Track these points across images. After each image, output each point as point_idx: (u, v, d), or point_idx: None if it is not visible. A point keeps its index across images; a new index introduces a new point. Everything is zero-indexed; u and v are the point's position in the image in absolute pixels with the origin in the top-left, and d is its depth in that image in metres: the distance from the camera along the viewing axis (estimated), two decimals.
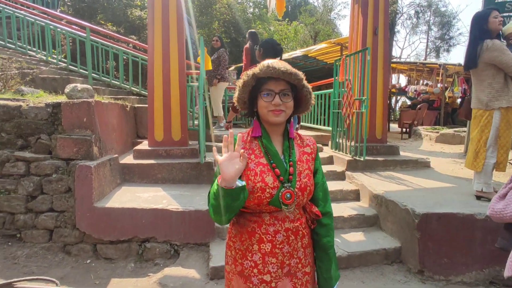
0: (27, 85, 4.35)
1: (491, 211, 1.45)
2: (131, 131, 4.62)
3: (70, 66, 5.44)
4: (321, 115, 5.97)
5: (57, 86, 4.79)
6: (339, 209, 3.28)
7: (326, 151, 4.85)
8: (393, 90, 11.27)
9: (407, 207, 2.75)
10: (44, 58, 5.48)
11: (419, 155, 5.07)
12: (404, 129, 8.84)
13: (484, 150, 2.79)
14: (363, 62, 4.08)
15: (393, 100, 19.00)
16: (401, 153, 4.79)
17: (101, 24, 8.32)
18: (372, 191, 3.33)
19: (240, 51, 11.87)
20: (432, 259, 2.61)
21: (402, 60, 21.57)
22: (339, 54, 8.07)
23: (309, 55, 9.02)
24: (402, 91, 11.48)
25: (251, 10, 15.10)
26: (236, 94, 1.20)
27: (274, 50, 2.91)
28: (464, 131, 6.10)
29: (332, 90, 4.86)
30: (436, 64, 10.22)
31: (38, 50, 5.57)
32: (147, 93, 5.29)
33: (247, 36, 5.24)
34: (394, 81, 14.15)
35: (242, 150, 1.09)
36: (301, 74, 1.14)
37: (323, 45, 8.61)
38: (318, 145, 4.96)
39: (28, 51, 5.40)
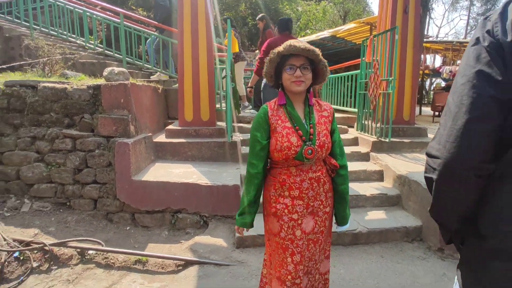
0: (69, 69, 4.71)
1: None
2: (162, 112, 4.89)
3: (106, 51, 5.76)
4: (347, 97, 5.92)
5: (95, 70, 5.12)
6: (362, 189, 3.36)
7: (352, 133, 4.86)
8: (426, 71, 10.77)
9: None
10: (83, 44, 5.84)
11: None
12: (436, 112, 8.51)
13: None
14: (392, 41, 4.00)
15: (428, 82, 18.11)
16: (430, 135, 4.70)
17: (132, 10, 8.61)
18: (396, 171, 3.36)
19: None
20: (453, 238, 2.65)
21: (439, 39, 20.32)
22: (369, 34, 7.82)
23: (337, 35, 8.80)
24: (436, 72, 10.93)
25: None
26: (264, 70, 1.49)
27: (286, 25, 3.61)
28: None
29: (359, 71, 4.81)
30: None
31: (77, 37, 5.94)
32: (176, 76, 5.53)
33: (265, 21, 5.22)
34: (429, 62, 13.45)
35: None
36: (317, 51, 1.40)
37: (352, 25, 8.36)
38: (343, 126, 4.99)
39: (69, 38, 5.77)
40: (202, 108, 4.09)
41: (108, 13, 6.27)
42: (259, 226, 1.82)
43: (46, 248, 2.63)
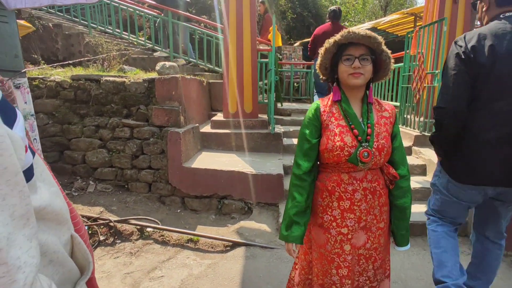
0: (123, 64, 5.11)
1: None
2: (207, 104, 5.15)
3: (154, 47, 6.14)
4: (388, 91, 5.81)
5: (145, 65, 5.50)
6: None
7: None
8: None
9: None
10: (134, 40, 6.27)
11: None
12: None
13: None
14: (439, 33, 3.89)
15: None
16: None
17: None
18: None
19: (304, 26, 11.73)
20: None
21: None
22: (413, 25, 7.54)
23: (378, 27, 8.57)
24: None
25: None
26: (318, 61, 1.33)
27: (334, 14, 4.29)
28: None
29: (401, 64, 4.72)
30: None
31: (129, 34, 6.38)
32: (220, 70, 5.76)
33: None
34: None
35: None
36: (379, 38, 1.22)
37: (394, 16, 8.10)
38: None
39: (122, 35, 6.22)
40: (245, 101, 4.28)
41: (155, 10, 6.64)
42: None
43: (111, 224, 2.97)
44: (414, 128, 4.27)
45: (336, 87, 1.33)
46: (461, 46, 1.55)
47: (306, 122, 1.34)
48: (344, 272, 1.31)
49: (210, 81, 5.50)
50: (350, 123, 1.27)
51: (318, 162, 1.38)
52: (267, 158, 3.74)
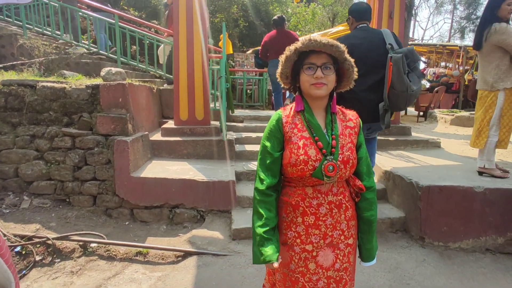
0: (64, 69, 4.77)
1: None
2: (157, 111, 5.00)
3: (100, 51, 5.82)
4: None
5: (89, 70, 5.18)
6: None
7: None
8: None
9: (411, 181, 3.00)
10: (77, 43, 5.88)
11: (431, 136, 5.22)
12: (421, 112, 8.85)
13: (487, 129, 2.97)
14: None
15: None
16: (413, 134, 4.96)
17: (124, 10, 8.64)
18: (381, 167, 3.58)
19: (257, 34, 11.98)
20: (433, 227, 2.88)
21: (425, 41, 20.89)
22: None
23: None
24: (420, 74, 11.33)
25: None
26: (279, 70, 1.24)
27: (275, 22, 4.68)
28: None
29: None
30: (457, 46, 10.02)
31: (70, 36, 5.97)
32: (171, 76, 5.64)
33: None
34: None
35: (276, 264, 1.14)
36: (342, 47, 1.15)
37: (340, 27, 8.63)
38: None
39: (62, 37, 5.80)
40: (197, 108, 4.23)
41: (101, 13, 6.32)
42: None
43: (49, 242, 2.73)
44: None
45: (299, 97, 1.25)
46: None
47: (267, 134, 1.25)
48: None
49: (161, 87, 5.36)
50: (314, 135, 1.19)
51: (282, 176, 1.29)
52: (219, 165, 3.72)
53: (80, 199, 3.35)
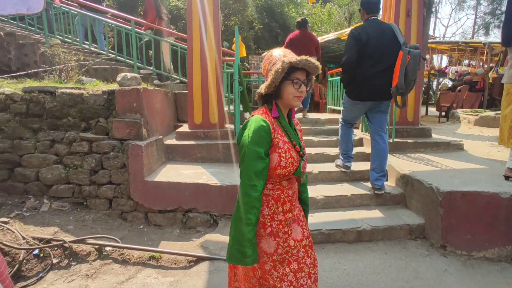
0: (83, 75, 4.91)
1: None
2: (172, 115, 5.05)
3: (117, 57, 5.96)
4: None
5: (107, 76, 5.31)
6: (366, 188, 3.45)
7: (357, 133, 4.94)
8: (432, 71, 10.78)
9: (431, 185, 2.87)
10: (96, 50, 6.05)
11: (453, 138, 5.01)
12: (442, 113, 8.54)
13: None
14: None
15: (435, 83, 18.04)
16: (434, 135, 4.77)
17: (142, 16, 8.83)
18: (400, 171, 3.45)
19: (272, 36, 11.94)
20: (455, 235, 2.74)
21: (446, 39, 20.20)
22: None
23: (342, 38, 8.91)
24: (442, 73, 10.93)
25: None
26: (272, 78, 1.32)
27: (299, 24, 5.24)
28: None
29: None
30: (481, 42, 9.59)
31: (90, 43, 6.16)
32: (186, 80, 5.69)
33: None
34: (436, 63, 13.44)
35: None
36: (320, 69, 1.40)
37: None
38: None
39: (82, 45, 5.98)
40: (211, 111, 4.24)
41: (119, 20, 6.48)
42: None
43: (66, 245, 2.79)
44: None
45: (275, 104, 1.40)
46: (355, 32, 3.10)
47: (257, 139, 1.30)
48: (295, 266, 1.42)
49: (177, 91, 5.41)
50: (292, 139, 1.40)
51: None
52: (233, 169, 3.70)
53: (96, 202, 3.42)
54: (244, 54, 5.76)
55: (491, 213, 2.68)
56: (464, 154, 4.17)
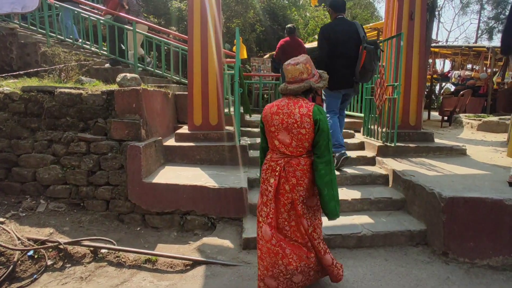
0: (83, 75, 4.88)
1: None
2: (172, 116, 5.02)
3: (118, 58, 5.93)
4: (354, 102, 5.96)
5: (107, 76, 5.29)
6: (367, 192, 3.40)
7: (358, 137, 4.90)
8: (435, 75, 10.72)
9: (433, 191, 2.81)
10: (97, 51, 6.04)
11: (455, 142, 4.94)
12: (445, 117, 8.46)
13: None
14: (397, 47, 4.05)
15: (438, 87, 17.95)
16: (436, 140, 4.71)
17: (144, 17, 8.83)
18: (401, 175, 3.40)
19: (274, 39, 11.91)
20: (457, 242, 2.68)
21: (449, 43, 20.14)
22: (376, 39, 7.86)
23: None
24: (444, 77, 10.87)
25: None
26: (323, 85, 2.08)
27: (289, 30, 5.99)
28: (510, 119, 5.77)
29: None
30: (484, 47, 9.53)
31: (91, 44, 6.14)
32: (186, 82, 5.66)
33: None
34: (438, 67, 13.37)
35: None
36: None
37: None
38: (349, 131, 5.06)
39: (83, 45, 5.97)
40: (210, 113, 4.20)
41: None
42: None
43: (61, 246, 2.75)
44: (377, 139, 4.38)
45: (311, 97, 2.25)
46: (324, 30, 3.69)
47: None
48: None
49: (177, 93, 5.38)
50: None
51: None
52: (232, 171, 3.66)
53: (93, 203, 3.38)
54: (245, 56, 5.76)
55: (495, 220, 2.62)
56: (466, 159, 4.10)
